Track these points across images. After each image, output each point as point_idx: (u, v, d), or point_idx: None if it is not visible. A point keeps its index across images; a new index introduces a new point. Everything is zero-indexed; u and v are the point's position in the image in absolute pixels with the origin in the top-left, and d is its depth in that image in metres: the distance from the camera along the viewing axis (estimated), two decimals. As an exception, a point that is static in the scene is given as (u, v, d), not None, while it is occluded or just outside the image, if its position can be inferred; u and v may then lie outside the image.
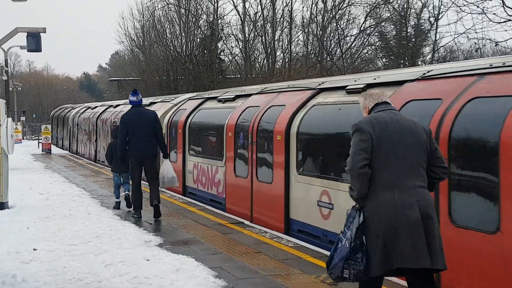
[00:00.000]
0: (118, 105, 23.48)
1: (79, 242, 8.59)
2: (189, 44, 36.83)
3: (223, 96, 13.40)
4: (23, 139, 44.30)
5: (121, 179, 12.12)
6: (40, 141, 32.70)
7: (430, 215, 4.55)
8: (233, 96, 12.81)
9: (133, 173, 10.88)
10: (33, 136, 53.05)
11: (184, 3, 36.77)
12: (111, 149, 12.33)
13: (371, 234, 4.53)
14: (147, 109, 11.55)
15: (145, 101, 16.91)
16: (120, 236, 8.98)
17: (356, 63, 31.48)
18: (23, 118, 57.23)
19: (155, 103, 18.46)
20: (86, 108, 30.84)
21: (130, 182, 11.40)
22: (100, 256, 7.72)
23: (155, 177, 10.85)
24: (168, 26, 38.17)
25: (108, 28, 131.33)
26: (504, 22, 15.70)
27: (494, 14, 16.43)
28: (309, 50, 32.82)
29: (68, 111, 36.19)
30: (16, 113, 54.30)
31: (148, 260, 7.54)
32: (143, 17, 41.70)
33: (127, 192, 11.88)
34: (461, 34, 18.33)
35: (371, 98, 4.99)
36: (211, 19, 36.45)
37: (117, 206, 11.86)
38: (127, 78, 46.99)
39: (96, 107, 28.37)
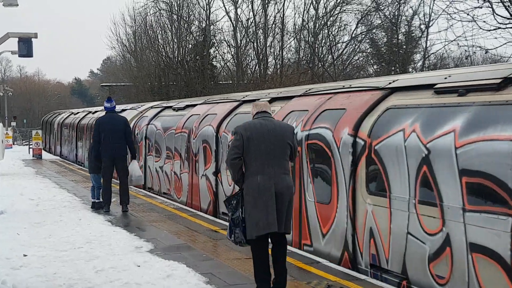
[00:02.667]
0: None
1: (70, 248, 8.57)
2: (181, 50, 36.85)
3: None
4: (13, 144, 44.11)
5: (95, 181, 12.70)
6: (30, 146, 32.57)
7: (283, 194, 6.17)
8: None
9: (104, 171, 12.11)
10: (23, 142, 52.82)
11: (176, 9, 36.81)
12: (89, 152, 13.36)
13: (246, 208, 6.21)
14: (119, 115, 12.77)
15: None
16: (111, 242, 8.96)
17: (348, 70, 31.60)
18: (13, 124, 56.99)
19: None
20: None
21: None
22: (91, 262, 7.71)
23: (125, 175, 12.11)
24: (160, 32, 38.23)
25: (100, 33, 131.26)
26: (494, 29, 15.84)
27: (484, 22, 16.59)
28: (300, 57, 32.92)
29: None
30: (6, 118, 54.12)
31: (139, 266, 7.54)
32: (135, 22, 41.79)
33: (95, 200, 12.57)
34: (452, 41, 18.47)
35: (255, 107, 6.61)
36: (203, 25, 36.49)
37: (93, 206, 12.49)
38: (118, 84, 46.93)
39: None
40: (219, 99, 14.04)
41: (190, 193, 13.32)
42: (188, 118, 14.11)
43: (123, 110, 20.94)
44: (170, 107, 16.45)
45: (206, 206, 12.33)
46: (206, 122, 12.80)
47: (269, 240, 6.35)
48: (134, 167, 12.34)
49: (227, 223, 6.50)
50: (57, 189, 15.92)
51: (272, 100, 10.63)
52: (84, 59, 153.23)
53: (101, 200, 12.40)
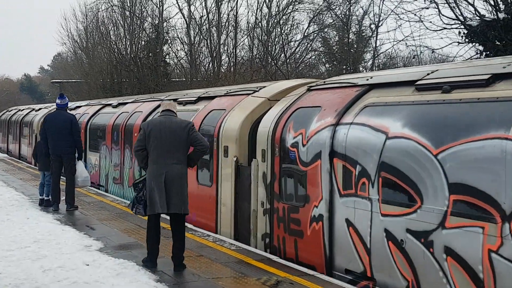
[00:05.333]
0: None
1: (16, 247, 8.40)
2: (133, 46, 36.41)
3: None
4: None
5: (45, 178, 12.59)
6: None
7: (173, 180, 7.30)
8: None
9: (52, 170, 11.98)
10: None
11: (128, 5, 36.37)
12: (36, 149, 13.11)
13: (147, 189, 7.40)
14: (67, 112, 12.43)
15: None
16: (59, 241, 8.83)
17: (300, 68, 31.85)
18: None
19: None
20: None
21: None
22: (38, 262, 7.58)
23: (73, 173, 11.92)
24: (112, 28, 37.68)
25: (50, 29, 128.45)
26: (440, 30, 16.24)
27: (431, 22, 17.06)
28: (254, 55, 33.01)
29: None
30: (-48, 115, 52.37)
31: (88, 265, 7.46)
32: (86, 18, 41.11)
33: (43, 197, 12.48)
34: (400, 41, 18.92)
35: (162, 106, 7.79)
36: (156, 22, 36.17)
37: (41, 203, 12.40)
38: (69, 80, 46.06)
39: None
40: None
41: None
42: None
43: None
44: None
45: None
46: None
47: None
48: (81, 168, 12.08)
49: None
50: (4, 187, 15.55)
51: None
52: (34, 55, 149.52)
53: (50, 198, 12.24)
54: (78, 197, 12.98)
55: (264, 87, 10.49)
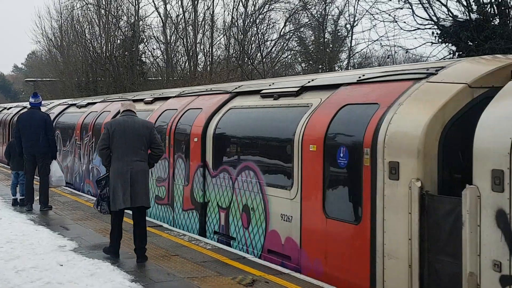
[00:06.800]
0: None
1: (-11, 248, 8.30)
2: (109, 45, 36.14)
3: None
4: None
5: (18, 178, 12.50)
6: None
7: (138, 176, 7.71)
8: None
9: (26, 169, 11.84)
10: None
11: (104, 3, 36.06)
12: (9, 148, 12.96)
13: (110, 186, 7.73)
14: (40, 111, 12.30)
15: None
16: (33, 241, 8.74)
17: (276, 68, 31.93)
18: None
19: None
20: None
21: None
22: (11, 262, 7.50)
23: (47, 173, 11.78)
24: (88, 27, 37.34)
25: (24, 27, 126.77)
26: (414, 30, 16.44)
27: (405, 22, 17.22)
28: (230, 54, 32.98)
29: None
30: None
31: (62, 265, 7.41)
32: (61, 16, 40.67)
33: (17, 197, 12.40)
34: (375, 41, 19.06)
35: (122, 106, 8.15)
36: (132, 20, 35.95)
37: (14, 203, 12.31)
38: (44, 79, 45.55)
39: None
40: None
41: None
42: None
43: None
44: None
45: None
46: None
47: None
48: (55, 168, 11.95)
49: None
50: (-23, 188, 15.35)
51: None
52: (8, 53, 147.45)
53: (23, 197, 12.12)
54: (52, 197, 12.86)
55: (442, 68, 6.64)
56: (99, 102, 16.23)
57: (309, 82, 8.39)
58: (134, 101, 12.90)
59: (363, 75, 7.52)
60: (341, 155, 6.87)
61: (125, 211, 8.06)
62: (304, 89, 8.28)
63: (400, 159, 6.09)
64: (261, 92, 9.14)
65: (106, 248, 8.06)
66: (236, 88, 10.33)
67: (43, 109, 19.66)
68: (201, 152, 9.90)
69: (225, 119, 9.68)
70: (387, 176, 6.19)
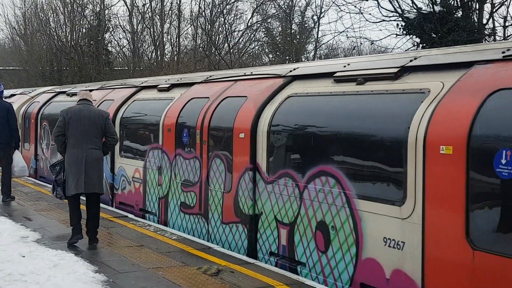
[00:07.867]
0: None
1: None
2: (74, 34, 35.61)
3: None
4: None
5: None
6: None
7: (92, 164, 7.98)
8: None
9: None
10: None
11: (68, -9, 35.49)
12: None
13: (66, 172, 8.01)
14: (3, 100, 11.96)
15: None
16: (-6, 233, 8.61)
17: (244, 58, 31.91)
18: None
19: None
20: None
21: None
22: (-29, 254, 7.37)
23: (9, 163, 11.61)
24: (52, 15, 36.73)
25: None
26: (379, 22, 16.66)
27: (370, 14, 17.44)
28: (197, 44, 32.84)
29: None
30: None
31: (24, 256, 7.30)
32: (24, 4, 39.89)
33: None
34: (341, 32, 19.30)
35: (79, 96, 8.48)
36: (98, 9, 35.47)
37: None
38: (7, 68, 44.68)
39: None
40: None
41: None
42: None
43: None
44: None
45: None
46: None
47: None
48: (18, 158, 11.75)
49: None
50: None
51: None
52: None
53: None
54: (15, 187, 12.67)
55: None
56: (96, 89, 14.03)
57: (411, 60, 6.36)
58: (143, 88, 11.91)
59: None
60: (502, 161, 4.82)
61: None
62: (405, 70, 6.29)
63: None
64: (335, 75, 7.12)
65: (69, 240, 8.06)
66: (291, 71, 8.24)
67: (23, 97, 19.15)
68: (250, 151, 7.86)
69: (283, 110, 7.60)
70: None
